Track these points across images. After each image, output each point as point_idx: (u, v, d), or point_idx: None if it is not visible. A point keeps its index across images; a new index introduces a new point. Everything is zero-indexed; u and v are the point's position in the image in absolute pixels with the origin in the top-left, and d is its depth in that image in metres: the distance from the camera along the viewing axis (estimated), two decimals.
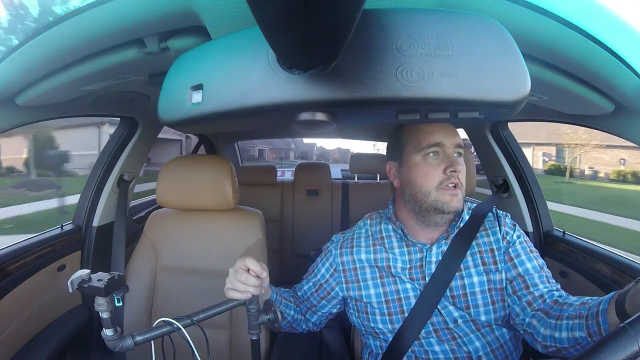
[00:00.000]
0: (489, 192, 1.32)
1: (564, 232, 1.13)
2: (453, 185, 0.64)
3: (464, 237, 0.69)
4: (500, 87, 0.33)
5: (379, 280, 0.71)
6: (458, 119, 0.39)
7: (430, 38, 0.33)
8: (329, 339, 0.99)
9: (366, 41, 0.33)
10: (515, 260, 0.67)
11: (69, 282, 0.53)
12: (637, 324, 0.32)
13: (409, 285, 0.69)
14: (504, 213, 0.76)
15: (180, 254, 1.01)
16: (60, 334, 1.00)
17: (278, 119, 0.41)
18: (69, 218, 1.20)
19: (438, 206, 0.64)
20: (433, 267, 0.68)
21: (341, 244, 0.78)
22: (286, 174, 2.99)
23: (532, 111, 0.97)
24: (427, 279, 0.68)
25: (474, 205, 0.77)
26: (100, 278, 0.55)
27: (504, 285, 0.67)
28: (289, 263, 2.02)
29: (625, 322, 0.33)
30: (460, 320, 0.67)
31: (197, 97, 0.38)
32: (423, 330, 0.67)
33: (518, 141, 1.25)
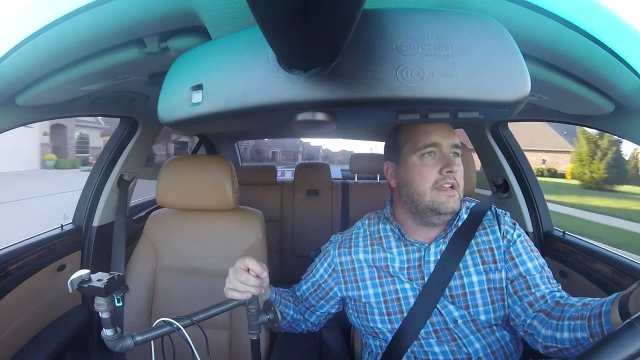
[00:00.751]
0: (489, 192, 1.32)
1: (564, 232, 1.13)
2: (449, 185, 0.64)
3: (463, 236, 0.69)
4: (500, 87, 0.33)
5: (377, 280, 0.71)
6: (458, 119, 0.39)
7: (430, 38, 0.33)
8: (329, 338, 0.99)
9: (366, 41, 0.33)
10: (517, 260, 0.67)
11: (68, 282, 0.53)
12: None
13: (407, 285, 0.69)
14: (503, 211, 0.75)
15: (180, 254, 1.01)
16: (60, 334, 0.99)
17: (278, 119, 0.41)
18: None
19: (434, 207, 0.64)
20: (432, 266, 0.68)
21: (339, 244, 0.78)
22: (286, 174, 2.99)
23: (532, 111, 0.97)
24: (426, 278, 0.68)
25: (473, 204, 0.77)
26: (100, 278, 0.55)
27: (504, 284, 0.67)
28: (288, 263, 2.02)
29: (632, 317, 0.33)
30: (460, 321, 0.66)
31: (197, 97, 0.38)
32: (423, 331, 0.67)
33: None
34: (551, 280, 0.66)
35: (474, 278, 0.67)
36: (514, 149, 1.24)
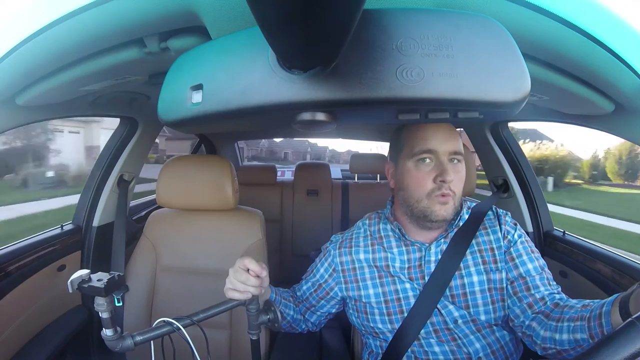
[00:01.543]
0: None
1: (564, 232, 1.13)
2: (444, 195, 0.63)
3: (464, 236, 0.69)
4: (500, 87, 0.33)
5: (377, 280, 0.71)
6: (458, 119, 0.39)
7: (430, 38, 0.33)
8: (329, 338, 0.99)
9: (366, 41, 0.33)
10: (517, 261, 0.67)
11: (68, 282, 0.53)
12: None
13: (408, 285, 0.69)
14: (504, 211, 0.75)
15: (180, 254, 1.01)
16: (60, 334, 0.99)
17: (278, 119, 0.41)
18: None
19: (427, 214, 0.64)
20: (432, 266, 0.68)
21: (340, 244, 0.78)
22: (286, 174, 2.99)
23: (532, 111, 0.97)
24: (427, 278, 0.68)
25: (474, 204, 0.77)
26: (100, 278, 0.55)
27: (504, 285, 0.67)
28: (288, 263, 2.02)
29: (634, 316, 0.33)
30: (460, 321, 0.66)
31: (197, 97, 0.38)
32: (423, 331, 0.67)
33: None
34: (551, 282, 0.66)
35: (475, 278, 0.67)
36: (514, 149, 1.24)
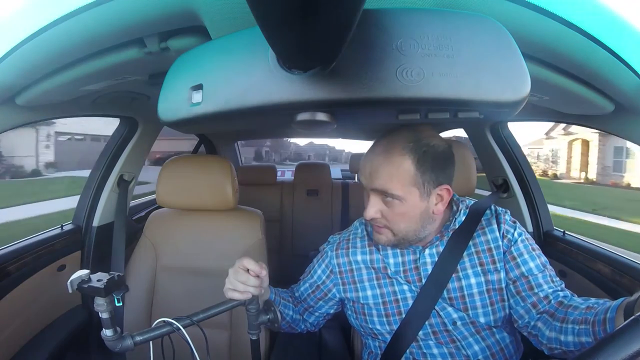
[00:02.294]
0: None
1: (564, 232, 1.13)
2: (378, 225, 0.64)
3: (460, 237, 0.68)
4: (500, 87, 0.33)
5: (375, 282, 0.71)
6: (458, 118, 0.39)
7: (430, 38, 0.33)
8: (329, 338, 0.99)
9: (366, 41, 0.33)
10: (518, 260, 0.66)
11: (68, 283, 0.53)
12: None
13: (406, 287, 0.69)
14: (504, 210, 0.73)
15: (180, 254, 1.01)
16: (60, 334, 1.00)
17: (278, 119, 0.41)
18: None
19: (371, 236, 0.66)
20: (429, 268, 0.68)
21: (337, 245, 0.77)
22: (286, 174, 2.99)
23: (532, 111, 0.97)
24: (424, 280, 0.67)
25: (472, 202, 0.75)
26: (100, 278, 0.55)
27: (503, 285, 0.66)
28: (288, 263, 2.02)
29: (638, 314, 0.33)
30: (459, 322, 0.66)
31: (197, 97, 0.38)
32: (421, 332, 0.66)
33: None
34: (554, 279, 0.65)
35: (472, 280, 0.66)
36: (514, 149, 1.24)
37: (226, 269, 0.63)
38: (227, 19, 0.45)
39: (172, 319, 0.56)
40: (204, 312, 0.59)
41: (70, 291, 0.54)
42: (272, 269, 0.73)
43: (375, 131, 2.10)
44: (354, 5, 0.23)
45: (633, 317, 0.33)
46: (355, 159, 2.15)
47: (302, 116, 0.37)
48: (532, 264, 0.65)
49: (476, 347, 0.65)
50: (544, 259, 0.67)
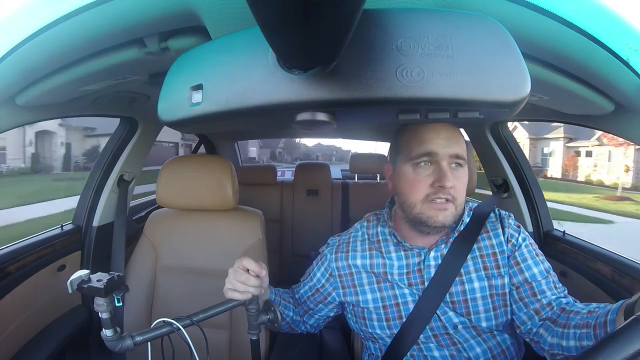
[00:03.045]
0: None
1: (564, 232, 1.13)
2: (443, 200, 0.60)
3: (465, 240, 0.67)
4: (500, 87, 0.33)
5: (375, 286, 0.70)
6: (458, 118, 0.39)
7: (430, 38, 0.33)
8: (329, 339, 0.98)
9: (366, 41, 0.33)
10: (522, 265, 0.65)
11: (68, 283, 0.53)
12: None
13: (407, 291, 0.68)
14: (507, 213, 0.73)
15: (180, 254, 1.01)
16: (60, 334, 0.99)
17: (278, 119, 0.41)
18: None
19: (422, 219, 0.61)
20: (432, 271, 0.67)
21: (337, 249, 0.76)
22: (286, 174, 2.99)
23: (532, 111, 0.97)
24: (426, 283, 0.66)
25: (475, 204, 0.75)
26: (100, 278, 0.55)
27: (507, 290, 0.65)
28: (288, 263, 2.02)
29: (638, 314, 0.33)
30: (460, 326, 0.65)
31: (197, 97, 0.38)
32: (422, 335, 0.66)
33: None
34: (557, 285, 0.65)
35: (476, 284, 0.65)
36: (514, 149, 1.24)
37: (226, 269, 0.63)
38: (227, 19, 0.45)
39: (172, 319, 0.56)
40: (204, 312, 0.59)
41: (70, 291, 0.54)
42: (272, 269, 0.73)
43: (375, 131, 2.11)
44: (354, 5, 0.23)
45: (633, 316, 0.33)
46: (355, 159, 2.15)
47: (302, 116, 0.37)
48: (535, 270, 0.65)
49: (478, 350, 0.65)
50: (547, 264, 0.67)
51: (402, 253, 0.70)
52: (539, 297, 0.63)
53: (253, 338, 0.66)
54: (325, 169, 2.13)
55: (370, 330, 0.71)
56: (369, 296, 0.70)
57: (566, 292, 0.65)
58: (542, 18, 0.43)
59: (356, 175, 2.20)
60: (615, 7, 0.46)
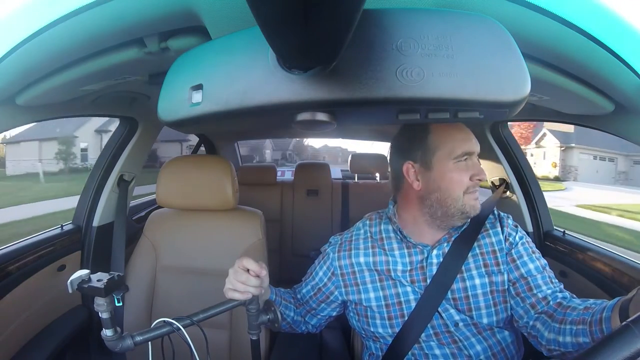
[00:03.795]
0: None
1: (564, 232, 1.13)
2: (476, 190, 0.66)
3: (466, 238, 0.69)
4: (500, 87, 0.33)
5: (378, 284, 0.71)
6: (458, 118, 0.39)
7: (430, 38, 0.33)
8: (329, 339, 0.99)
9: (366, 41, 0.33)
10: (518, 262, 0.67)
11: (68, 283, 0.53)
12: None
13: (409, 289, 0.69)
14: (506, 214, 0.75)
15: (180, 254, 1.01)
16: (60, 334, 0.99)
17: (278, 119, 0.41)
18: None
19: (466, 210, 0.65)
20: (434, 268, 0.68)
21: (339, 247, 0.76)
22: (286, 174, 2.99)
23: (532, 111, 0.97)
24: (428, 280, 0.67)
25: None
26: (100, 278, 0.55)
27: (506, 286, 0.67)
28: (288, 263, 2.02)
29: (629, 320, 0.33)
30: (461, 324, 0.66)
31: (197, 97, 0.38)
32: (423, 334, 0.66)
33: None
34: (553, 280, 0.66)
35: (477, 281, 0.67)
36: (514, 149, 1.23)
37: (226, 269, 0.63)
38: (227, 19, 0.45)
39: (172, 319, 0.56)
40: (204, 312, 0.59)
41: (70, 291, 0.54)
42: (272, 269, 0.72)
43: (375, 131, 2.10)
44: (354, 5, 0.23)
45: (624, 322, 0.33)
46: (355, 159, 2.15)
47: (302, 116, 0.37)
48: (531, 266, 0.67)
49: (478, 347, 0.65)
50: (543, 261, 0.69)
51: (405, 250, 0.71)
52: (534, 291, 0.64)
53: (253, 338, 0.66)
54: (325, 169, 2.13)
55: (372, 330, 0.71)
56: (372, 294, 0.71)
57: (562, 287, 0.66)
58: (542, 18, 0.43)
59: (356, 175, 2.20)
60: (615, 7, 0.46)
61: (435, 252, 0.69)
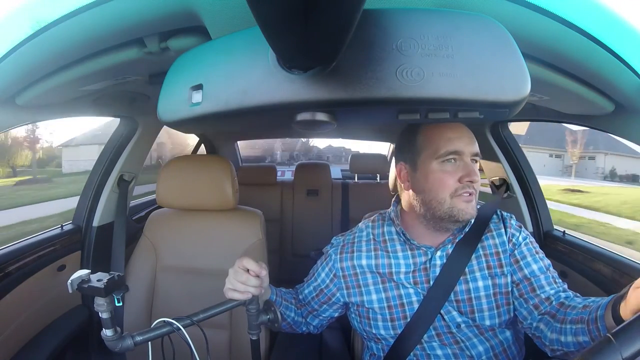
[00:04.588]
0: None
1: (564, 232, 1.13)
2: (469, 194, 0.62)
3: (470, 240, 0.68)
4: (500, 87, 0.33)
5: (380, 286, 0.70)
6: (458, 118, 0.39)
7: (430, 38, 0.33)
8: (330, 339, 0.99)
9: (366, 41, 0.33)
10: (521, 263, 0.67)
11: (68, 283, 0.53)
12: (622, 334, 0.32)
13: (411, 290, 0.68)
14: (509, 214, 0.74)
15: (180, 253, 1.01)
16: (60, 334, 1.00)
17: (278, 119, 0.41)
18: None
19: (453, 214, 0.62)
20: (437, 270, 0.67)
21: (341, 249, 0.76)
22: (286, 174, 2.99)
23: (532, 111, 0.97)
24: (431, 282, 0.67)
25: (477, 206, 0.76)
26: (100, 278, 0.55)
27: (510, 288, 0.66)
28: (288, 263, 2.02)
29: (611, 332, 0.33)
30: (463, 325, 0.66)
31: (197, 97, 0.38)
32: (425, 335, 0.66)
33: None
34: (557, 280, 0.66)
35: (480, 283, 0.66)
36: (514, 149, 1.23)
37: (226, 269, 0.63)
38: (227, 19, 0.45)
39: (172, 319, 0.57)
40: (204, 312, 0.59)
41: (70, 291, 0.54)
42: (272, 269, 0.72)
43: (376, 131, 2.11)
44: (354, 5, 0.23)
45: (606, 334, 0.33)
46: (355, 159, 2.15)
47: (302, 116, 0.37)
48: (535, 267, 0.66)
49: (480, 348, 0.65)
50: (547, 261, 0.68)
51: (409, 252, 0.70)
52: (538, 292, 0.64)
53: (253, 338, 0.66)
54: (325, 169, 2.13)
55: (374, 331, 0.71)
56: (374, 296, 0.70)
57: (566, 286, 0.66)
58: (542, 18, 0.43)
59: (356, 175, 2.20)
60: (615, 7, 0.46)
61: (438, 253, 0.68)
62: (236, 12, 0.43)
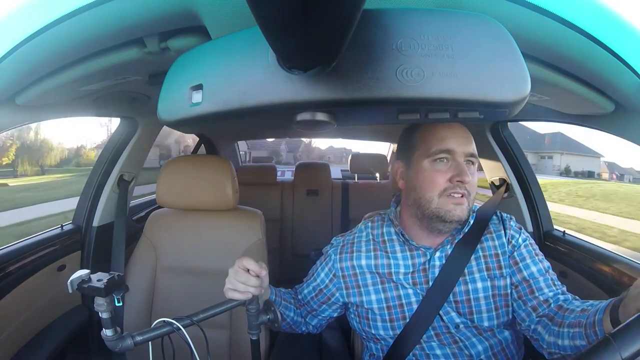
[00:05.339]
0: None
1: (564, 232, 1.13)
2: (459, 195, 0.61)
3: (469, 241, 0.68)
4: (500, 87, 0.33)
5: (380, 286, 0.70)
6: (458, 118, 0.39)
7: (430, 38, 0.33)
8: (329, 339, 0.99)
9: (366, 41, 0.33)
10: (520, 264, 0.66)
11: (68, 283, 0.54)
12: (621, 335, 0.32)
13: (410, 291, 0.68)
14: (509, 216, 0.74)
15: (180, 254, 1.01)
16: (60, 334, 1.00)
17: (278, 119, 0.41)
18: None
19: (440, 214, 0.62)
20: (437, 271, 0.67)
21: (341, 249, 0.76)
22: (286, 174, 2.99)
23: (532, 111, 0.97)
24: (430, 283, 0.67)
25: (477, 207, 0.75)
26: (100, 278, 0.55)
27: (509, 290, 0.66)
28: (288, 263, 2.02)
29: (610, 333, 0.33)
30: (462, 326, 0.66)
31: (197, 97, 0.38)
32: (424, 335, 0.66)
33: None
34: (556, 282, 0.66)
35: (479, 284, 0.66)
36: (514, 149, 1.23)
37: (226, 269, 0.63)
38: (227, 19, 0.45)
39: (172, 319, 0.57)
40: (204, 312, 0.59)
41: (70, 291, 0.54)
42: (272, 269, 0.72)
43: (376, 131, 2.11)
44: (354, 5, 0.23)
45: (604, 336, 0.33)
46: (355, 158, 2.15)
47: (302, 116, 0.37)
48: (534, 269, 0.66)
49: (479, 347, 0.65)
50: (546, 263, 0.68)
51: (408, 253, 0.70)
52: (536, 294, 0.64)
53: (253, 338, 0.66)
54: (325, 169, 2.13)
55: (373, 332, 0.71)
56: (373, 297, 0.70)
57: (565, 289, 0.66)
58: (542, 18, 0.43)
59: (356, 175, 2.20)
60: (615, 7, 0.46)
61: (438, 254, 0.68)
62: (236, 12, 0.43)
